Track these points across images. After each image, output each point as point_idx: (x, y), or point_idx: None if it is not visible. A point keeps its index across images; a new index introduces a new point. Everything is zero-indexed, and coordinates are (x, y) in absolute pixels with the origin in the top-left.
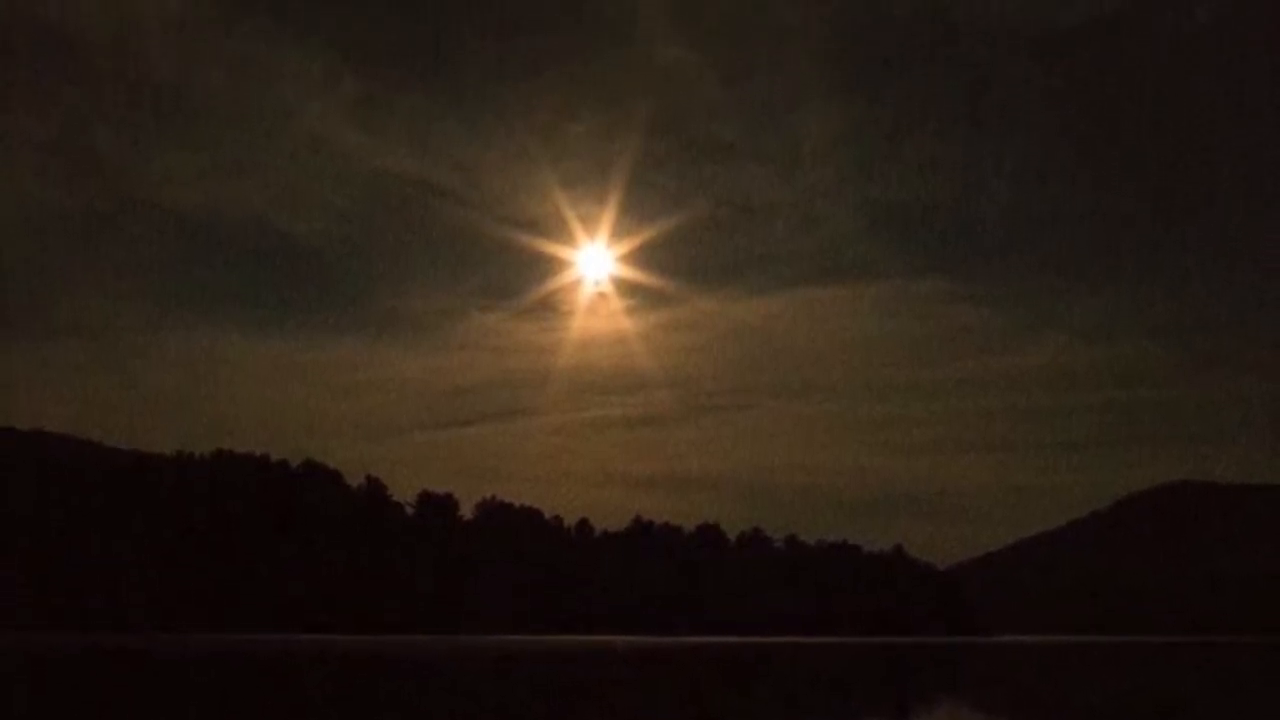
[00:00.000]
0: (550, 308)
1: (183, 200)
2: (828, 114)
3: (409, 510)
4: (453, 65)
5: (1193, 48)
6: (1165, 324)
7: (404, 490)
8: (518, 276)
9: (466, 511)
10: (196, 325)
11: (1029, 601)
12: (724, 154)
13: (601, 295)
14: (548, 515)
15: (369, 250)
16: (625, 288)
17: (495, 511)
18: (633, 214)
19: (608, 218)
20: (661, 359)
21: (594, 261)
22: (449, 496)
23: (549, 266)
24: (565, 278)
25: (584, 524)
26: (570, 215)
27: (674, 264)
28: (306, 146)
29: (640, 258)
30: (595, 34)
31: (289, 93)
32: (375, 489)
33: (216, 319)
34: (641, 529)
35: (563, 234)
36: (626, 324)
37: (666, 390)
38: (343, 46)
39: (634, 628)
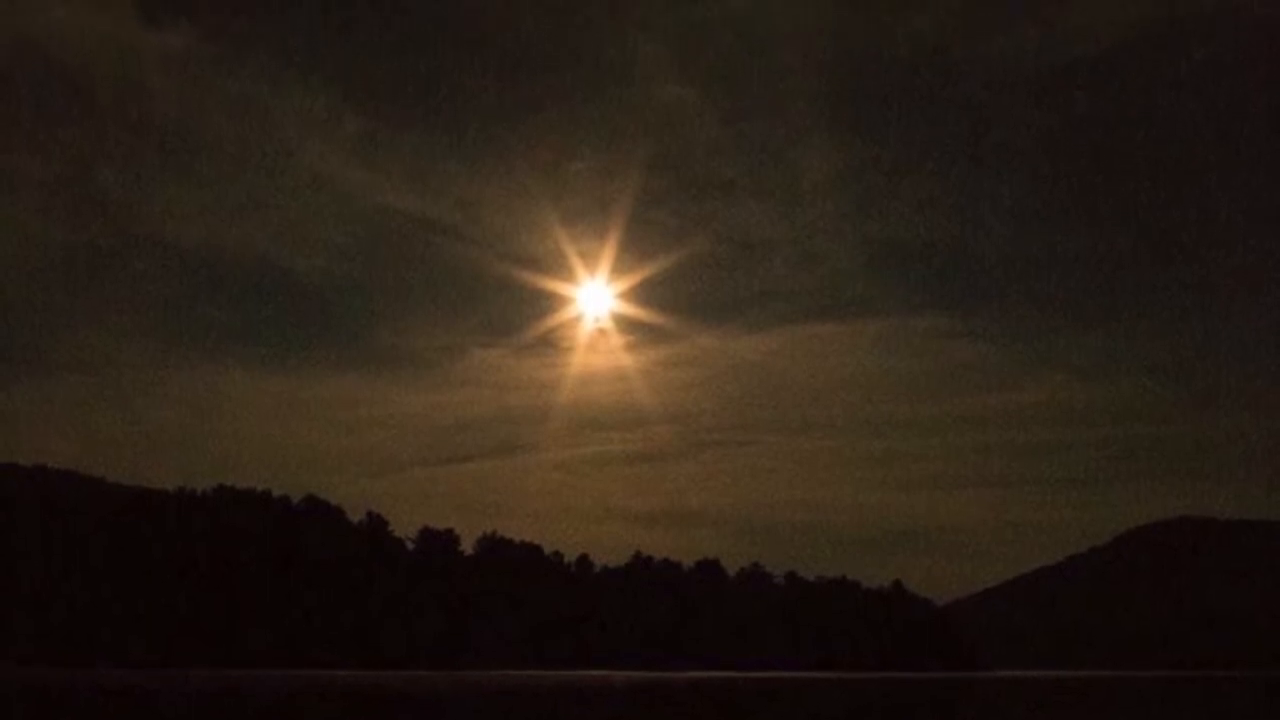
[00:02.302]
0: (550, 344)
1: (184, 237)
2: (827, 152)
3: (410, 546)
4: (454, 104)
5: (1190, 87)
6: (1163, 361)
7: (405, 526)
8: (518, 313)
9: (467, 547)
10: (198, 362)
11: (1027, 637)
12: (723, 191)
13: (601, 331)
14: (548, 551)
15: (370, 287)
16: (625, 324)
17: (496, 547)
18: (633, 251)
19: (608, 254)
20: (661, 395)
21: (594, 298)
22: (450, 532)
23: (549, 303)
24: (565, 314)
25: (584, 559)
26: (570, 252)
27: (674, 300)
28: (308, 184)
29: (640, 294)
30: (596, 73)
31: (290, 131)
32: (376, 525)
33: (218, 355)
34: (641, 564)
35: (563, 271)
36: (626, 360)
37: (666, 426)
38: (344, 85)
39: (633, 663)
